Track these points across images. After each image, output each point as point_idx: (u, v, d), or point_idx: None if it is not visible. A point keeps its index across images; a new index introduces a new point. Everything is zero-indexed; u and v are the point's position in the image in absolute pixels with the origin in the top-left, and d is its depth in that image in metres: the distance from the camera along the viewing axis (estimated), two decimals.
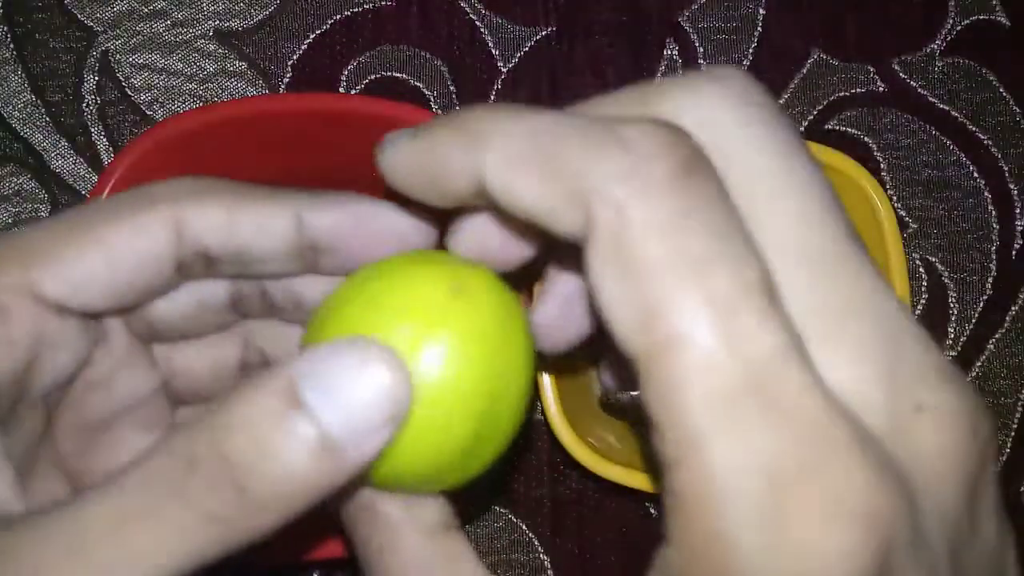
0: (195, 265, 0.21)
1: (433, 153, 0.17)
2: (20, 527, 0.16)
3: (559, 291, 0.20)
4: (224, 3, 0.36)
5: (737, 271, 0.15)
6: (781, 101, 0.37)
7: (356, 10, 0.36)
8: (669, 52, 0.37)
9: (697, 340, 0.14)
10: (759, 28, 0.37)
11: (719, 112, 0.16)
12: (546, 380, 0.30)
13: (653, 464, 0.17)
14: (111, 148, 0.35)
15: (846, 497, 0.14)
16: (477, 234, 0.19)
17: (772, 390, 0.14)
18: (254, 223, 0.20)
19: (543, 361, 0.25)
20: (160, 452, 0.16)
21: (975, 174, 0.37)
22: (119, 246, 0.20)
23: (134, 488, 0.16)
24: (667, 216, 0.15)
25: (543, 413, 0.33)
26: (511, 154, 0.16)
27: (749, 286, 0.15)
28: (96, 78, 0.35)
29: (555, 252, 0.20)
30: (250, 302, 0.23)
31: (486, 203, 0.17)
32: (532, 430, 0.35)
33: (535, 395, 0.34)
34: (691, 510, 0.15)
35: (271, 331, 0.24)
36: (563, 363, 0.31)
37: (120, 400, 0.22)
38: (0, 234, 0.34)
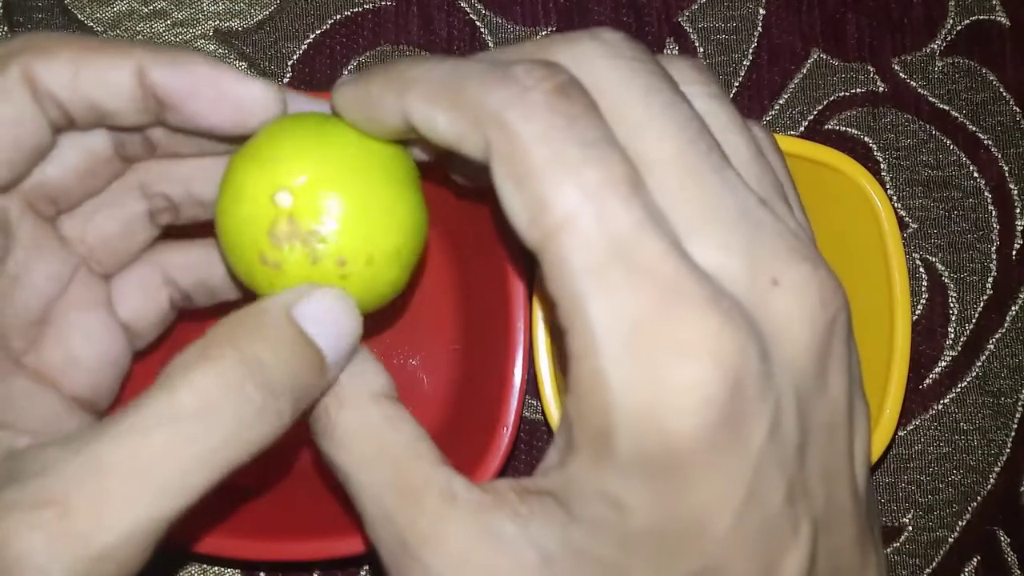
0: (61, 119, 0.22)
1: (369, 97, 0.21)
2: (81, 442, 0.18)
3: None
4: (224, 3, 0.36)
5: (604, 168, 0.18)
6: (781, 101, 0.37)
7: (356, 10, 0.36)
8: (669, 52, 0.37)
9: (573, 223, 0.17)
10: (759, 28, 0.37)
11: (594, 59, 0.19)
12: (546, 380, 0.30)
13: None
14: None
15: (698, 337, 0.17)
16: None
17: (634, 256, 0.17)
18: (97, 76, 0.21)
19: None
20: (208, 383, 0.19)
21: (975, 174, 0.37)
22: None
23: (190, 415, 0.19)
24: (546, 130, 0.18)
25: (543, 413, 0.33)
26: (427, 93, 0.19)
27: (614, 178, 0.18)
28: None
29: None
30: (132, 146, 0.24)
31: (415, 135, 0.20)
32: (533, 430, 0.35)
33: (534, 392, 0.34)
34: (577, 358, 0.18)
35: (162, 170, 0.25)
36: (563, 363, 0.31)
37: (45, 289, 0.23)
38: None
